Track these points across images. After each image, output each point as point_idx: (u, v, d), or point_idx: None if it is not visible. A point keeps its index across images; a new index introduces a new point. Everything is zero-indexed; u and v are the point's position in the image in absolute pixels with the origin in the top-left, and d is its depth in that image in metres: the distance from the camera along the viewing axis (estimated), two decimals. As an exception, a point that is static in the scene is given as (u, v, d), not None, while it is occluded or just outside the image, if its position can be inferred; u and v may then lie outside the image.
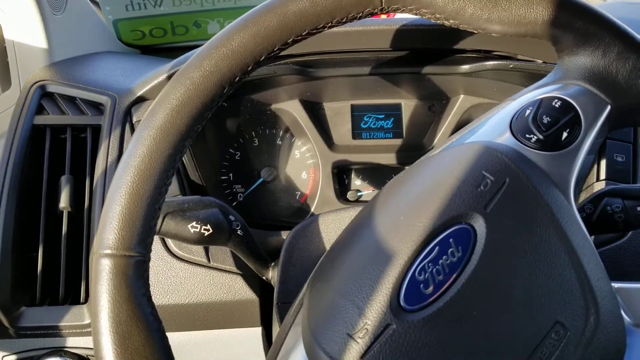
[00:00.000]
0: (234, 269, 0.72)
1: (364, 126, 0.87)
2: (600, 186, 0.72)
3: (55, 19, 0.89)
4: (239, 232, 0.61)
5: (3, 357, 0.74)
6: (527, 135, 0.43)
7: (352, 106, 0.87)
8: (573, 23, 0.44)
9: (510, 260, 0.37)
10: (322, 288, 0.42)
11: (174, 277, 0.71)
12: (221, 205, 0.60)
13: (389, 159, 0.85)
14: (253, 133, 0.87)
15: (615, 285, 0.40)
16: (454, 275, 0.37)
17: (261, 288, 0.73)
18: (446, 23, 0.46)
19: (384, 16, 0.78)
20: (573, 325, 0.36)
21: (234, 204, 0.87)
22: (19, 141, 0.74)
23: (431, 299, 0.37)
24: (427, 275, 0.37)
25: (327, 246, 0.62)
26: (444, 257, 0.38)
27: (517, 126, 0.44)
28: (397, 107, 0.87)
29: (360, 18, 0.45)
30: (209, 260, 0.71)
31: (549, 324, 0.35)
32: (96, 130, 0.77)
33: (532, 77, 0.76)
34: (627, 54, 0.44)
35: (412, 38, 0.76)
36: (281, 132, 0.87)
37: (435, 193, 0.40)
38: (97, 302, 0.39)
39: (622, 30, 0.44)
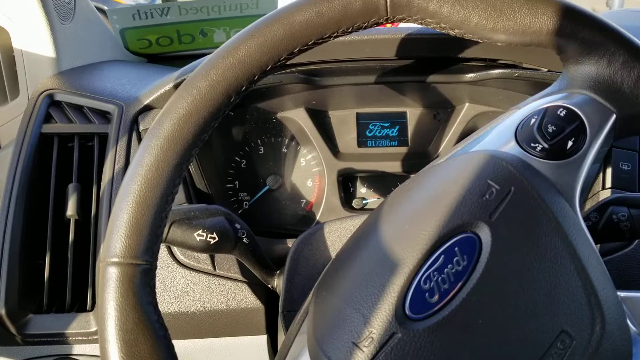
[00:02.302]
0: (240, 277, 0.72)
1: (370, 134, 0.87)
2: (605, 194, 0.71)
3: (63, 28, 0.90)
4: (244, 240, 0.61)
5: (10, 364, 0.74)
6: (532, 144, 0.43)
7: (358, 114, 0.87)
8: (578, 32, 0.44)
9: (515, 269, 0.37)
10: (327, 296, 0.42)
11: (180, 285, 0.71)
12: (227, 214, 0.60)
13: (395, 167, 0.85)
14: (259, 141, 0.87)
15: (621, 294, 0.40)
16: (459, 284, 0.37)
17: (267, 296, 0.73)
18: (451, 32, 0.46)
19: (389, 25, 0.79)
20: (579, 334, 0.35)
21: (239, 212, 0.87)
22: (27, 149, 0.74)
23: (436, 308, 0.37)
24: (432, 284, 0.37)
25: (333, 254, 0.62)
26: (449, 265, 0.38)
27: (522, 135, 0.44)
28: (403, 115, 0.87)
29: (365, 28, 0.45)
30: (214, 268, 0.72)
31: (555, 333, 0.35)
32: (103, 138, 0.78)
33: (537, 85, 0.76)
34: (633, 63, 0.44)
35: (417, 47, 0.77)
36: (287, 140, 0.87)
37: (440, 202, 0.41)
38: (104, 309, 0.40)
39: (627, 39, 0.44)
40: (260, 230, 0.78)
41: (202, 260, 0.72)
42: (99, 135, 0.78)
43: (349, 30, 0.45)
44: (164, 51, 1.14)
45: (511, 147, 0.44)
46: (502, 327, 0.36)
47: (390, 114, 0.87)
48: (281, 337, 0.61)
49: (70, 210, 0.73)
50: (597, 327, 0.36)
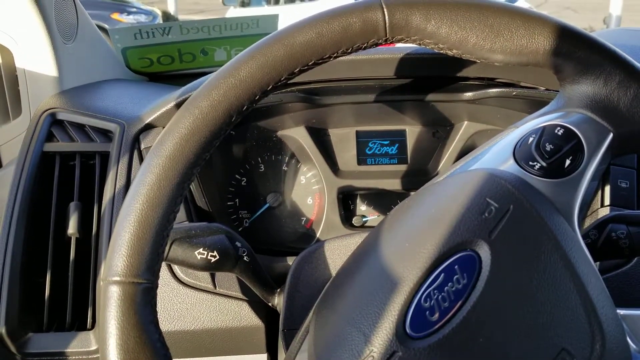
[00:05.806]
0: (240, 295, 0.72)
1: (369, 152, 0.87)
2: (604, 212, 0.72)
3: (66, 48, 0.91)
4: (245, 259, 0.61)
5: (9, 383, 0.74)
6: (531, 163, 0.44)
7: (357, 132, 0.87)
8: (574, 52, 0.44)
9: (515, 287, 0.37)
10: (328, 315, 0.42)
11: (181, 304, 0.71)
12: (228, 232, 0.60)
13: (394, 184, 0.86)
14: (259, 159, 0.88)
15: (621, 312, 0.40)
16: (460, 302, 0.37)
17: (267, 314, 0.73)
18: (449, 53, 0.46)
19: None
20: (579, 352, 0.35)
21: (239, 229, 0.87)
22: (29, 168, 0.75)
23: (437, 326, 0.37)
24: (432, 302, 0.37)
25: (333, 272, 0.62)
26: (450, 284, 0.38)
27: (521, 154, 0.45)
28: (402, 133, 0.88)
29: (365, 48, 0.46)
30: (215, 287, 0.72)
31: (555, 351, 0.35)
32: (105, 157, 0.78)
33: (535, 104, 0.77)
34: (628, 83, 0.44)
35: (416, 66, 0.77)
36: (287, 158, 0.88)
37: (440, 220, 0.41)
38: (105, 328, 0.40)
39: (623, 59, 0.44)
40: (260, 248, 0.78)
41: (203, 278, 0.72)
42: (100, 154, 0.78)
43: (349, 50, 0.45)
44: (165, 70, 1.15)
45: (509, 166, 0.44)
46: (502, 345, 0.36)
47: (389, 132, 0.88)
48: (281, 356, 0.61)
49: (71, 228, 0.73)
50: (597, 345, 0.36)
